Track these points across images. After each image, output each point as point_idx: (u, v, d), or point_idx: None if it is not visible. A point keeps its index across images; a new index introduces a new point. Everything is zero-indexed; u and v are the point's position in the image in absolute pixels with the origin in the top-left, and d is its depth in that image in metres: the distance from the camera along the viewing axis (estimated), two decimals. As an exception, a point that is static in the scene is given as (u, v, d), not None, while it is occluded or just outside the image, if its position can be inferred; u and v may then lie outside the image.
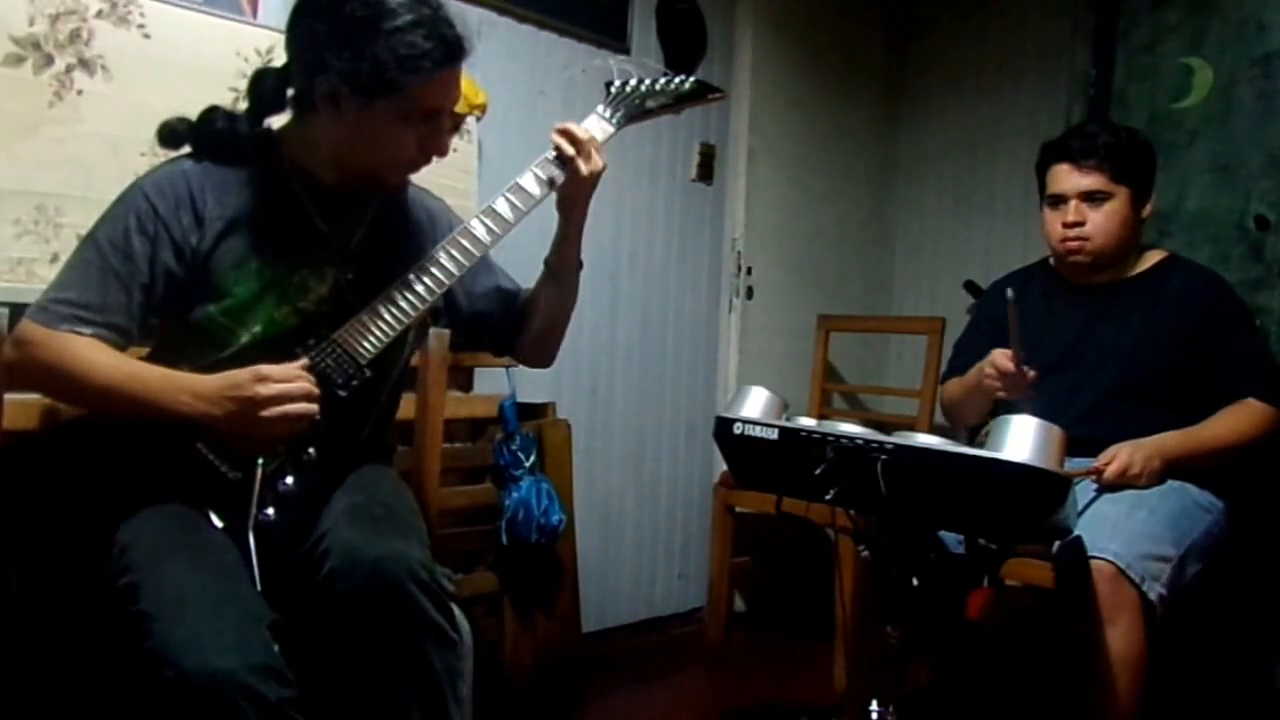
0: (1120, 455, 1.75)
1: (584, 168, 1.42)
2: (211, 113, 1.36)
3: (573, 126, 1.43)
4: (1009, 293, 1.66)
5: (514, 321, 1.56)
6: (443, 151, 1.37)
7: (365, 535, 1.23)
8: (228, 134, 1.35)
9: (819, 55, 3.24)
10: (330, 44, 1.24)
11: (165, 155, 1.37)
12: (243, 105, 1.39)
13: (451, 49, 1.29)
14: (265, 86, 1.37)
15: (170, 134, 1.36)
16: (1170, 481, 1.78)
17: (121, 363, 1.25)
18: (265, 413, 1.21)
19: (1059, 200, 1.93)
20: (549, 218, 1.50)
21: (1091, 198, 1.89)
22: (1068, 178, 1.92)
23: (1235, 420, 1.83)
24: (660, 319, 2.91)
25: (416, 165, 1.38)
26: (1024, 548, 1.76)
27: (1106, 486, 1.76)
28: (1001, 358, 1.78)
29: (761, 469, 1.55)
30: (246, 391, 1.21)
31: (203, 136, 1.35)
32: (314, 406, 1.24)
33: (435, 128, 1.33)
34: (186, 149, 1.36)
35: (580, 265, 1.53)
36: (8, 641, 1.19)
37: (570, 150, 1.42)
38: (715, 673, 2.76)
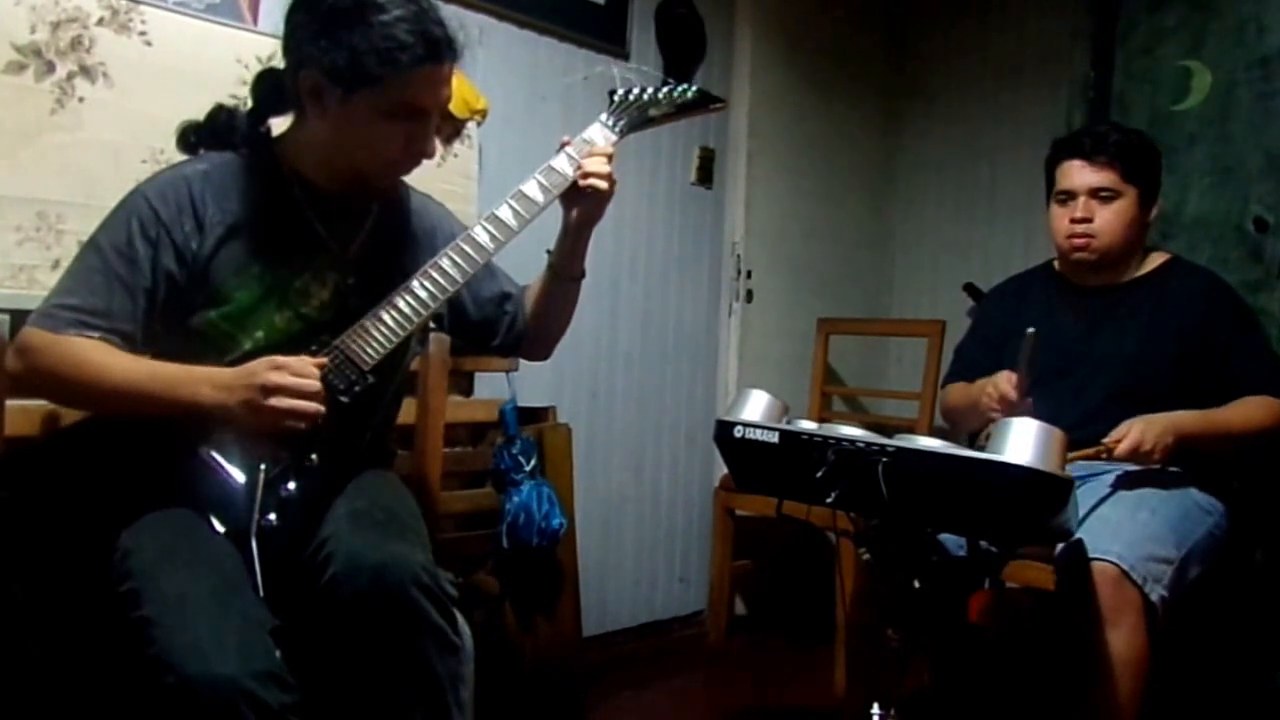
0: (1132, 431, 1.71)
1: (604, 188, 1.43)
2: (217, 110, 1.40)
3: (593, 163, 1.43)
4: (1030, 331, 1.66)
5: (518, 324, 1.58)
6: (428, 154, 1.35)
7: (368, 540, 1.23)
8: (227, 127, 1.38)
9: (818, 58, 3.25)
10: (313, 35, 1.25)
11: (166, 162, 1.38)
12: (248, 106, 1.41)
13: (435, 47, 1.26)
14: (266, 86, 1.39)
15: (181, 138, 1.40)
16: (1173, 488, 1.78)
17: (138, 362, 1.26)
18: (271, 401, 1.20)
19: (1068, 196, 1.92)
20: (548, 226, 1.50)
21: (1101, 195, 1.89)
22: (1079, 173, 1.91)
23: (1249, 410, 1.82)
24: (660, 322, 2.91)
25: (402, 166, 1.36)
26: (1025, 549, 1.76)
27: (1121, 471, 1.73)
28: (1006, 382, 1.75)
29: (762, 472, 1.55)
30: (258, 378, 1.21)
31: (205, 130, 1.39)
32: (319, 407, 1.23)
33: (420, 127, 1.31)
34: (188, 156, 1.37)
35: (583, 275, 1.55)
36: (8, 645, 1.19)
37: (603, 186, 1.43)
38: (716, 676, 2.75)
